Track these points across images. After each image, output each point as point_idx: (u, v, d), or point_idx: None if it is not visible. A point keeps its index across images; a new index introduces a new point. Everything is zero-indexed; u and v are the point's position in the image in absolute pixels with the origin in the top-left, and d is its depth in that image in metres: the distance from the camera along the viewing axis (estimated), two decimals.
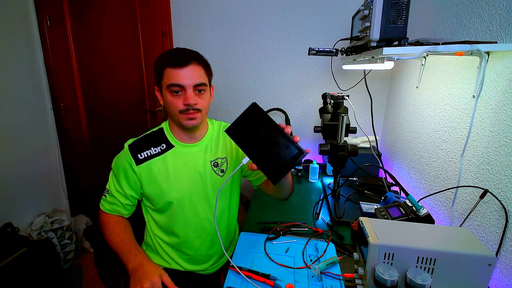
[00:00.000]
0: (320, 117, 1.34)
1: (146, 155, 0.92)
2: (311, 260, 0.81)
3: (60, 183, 2.13)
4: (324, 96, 1.40)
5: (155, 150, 0.93)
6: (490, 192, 0.75)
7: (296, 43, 1.65)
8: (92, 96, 1.99)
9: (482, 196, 0.77)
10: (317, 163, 1.49)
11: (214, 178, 0.96)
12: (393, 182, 1.11)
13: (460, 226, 0.85)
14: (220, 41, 1.72)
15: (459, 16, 0.92)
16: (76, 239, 1.93)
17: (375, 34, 0.79)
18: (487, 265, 0.60)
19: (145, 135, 0.96)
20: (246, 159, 0.66)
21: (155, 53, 1.78)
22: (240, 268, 0.77)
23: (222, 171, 0.98)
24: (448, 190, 0.94)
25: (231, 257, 0.83)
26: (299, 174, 1.54)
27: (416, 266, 0.63)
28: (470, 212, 0.81)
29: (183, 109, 0.85)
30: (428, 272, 0.62)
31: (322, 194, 1.29)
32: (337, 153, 1.04)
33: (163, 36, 1.75)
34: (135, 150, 0.92)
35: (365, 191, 1.25)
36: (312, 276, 0.75)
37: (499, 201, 0.71)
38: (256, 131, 0.65)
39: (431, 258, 0.62)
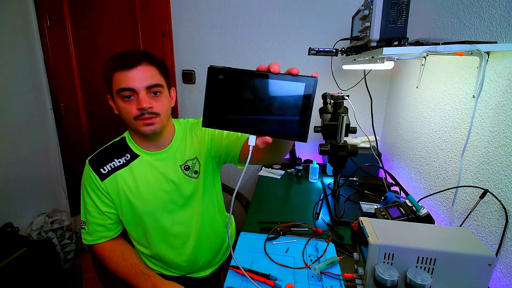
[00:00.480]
0: (320, 117, 1.34)
1: (109, 168, 0.85)
2: (311, 260, 0.81)
3: (60, 183, 2.13)
4: (324, 96, 1.40)
5: (119, 162, 0.86)
6: (490, 192, 0.75)
7: (296, 43, 1.65)
8: (92, 96, 1.99)
9: (482, 196, 0.77)
10: (317, 163, 1.49)
11: (190, 182, 0.90)
12: (393, 182, 1.11)
13: (460, 226, 0.85)
14: (220, 41, 1.73)
15: (459, 16, 0.92)
16: (76, 239, 1.94)
17: (375, 34, 0.79)
18: (487, 265, 0.60)
19: (106, 147, 0.90)
20: (252, 139, 0.49)
21: (155, 53, 1.78)
22: (240, 268, 0.77)
23: (196, 172, 0.91)
24: (448, 190, 0.94)
25: (230, 258, 0.83)
26: (299, 174, 1.54)
27: (416, 266, 0.63)
28: (470, 212, 0.81)
29: (137, 114, 0.76)
30: (428, 272, 0.62)
31: (322, 194, 1.29)
32: (337, 153, 1.04)
33: (163, 36, 1.75)
34: (96, 165, 0.85)
35: (365, 191, 1.25)
36: (312, 276, 0.75)
37: (499, 201, 0.71)
38: (238, 98, 0.47)
39: (431, 258, 0.62)
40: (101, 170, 0.85)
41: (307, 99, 0.45)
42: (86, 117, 2.04)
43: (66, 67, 1.94)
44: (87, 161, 0.87)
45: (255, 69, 0.47)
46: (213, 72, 0.47)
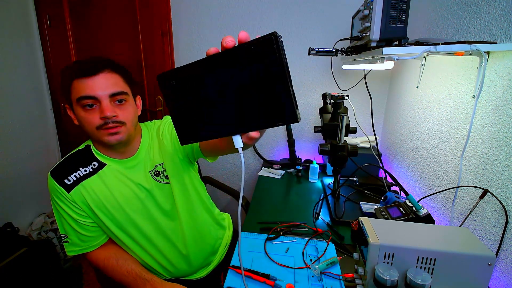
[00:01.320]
0: (320, 117, 1.34)
1: (74, 178, 0.79)
2: (311, 260, 0.81)
3: None
4: (324, 96, 1.40)
5: (85, 170, 0.80)
6: (490, 192, 0.75)
7: (296, 43, 1.65)
8: None
9: (482, 196, 0.77)
10: (317, 163, 1.49)
11: (163, 187, 0.85)
12: (393, 182, 1.11)
13: (460, 226, 0.85)
14: (220, 41, 1.72)
15: (459, 16, 0.92)
16: None
17: (375, 34, 0.79)
18: (487, 265, 0.60)
19: (68, 156, 0.84)
20: (237, 141, 0.41)
21: (155, 53, 1.78)
22: (240, 268, 0.77)
23: (167, 177, 0.86)
24: (448, 190, 0.94)
25: (231, 258, 0.83)
26: (299, 174, 1.54)
27: (416, 266, 0.63)
28: (470, 212, 0.81)
29: (100, 124, 0.72)
30: (428, 272, 0.62)
31: (322, 194, 1.29)
32: (337, 153, 1.04)
33: (163, 36, 1.75)
34: (60, 176, 0.79)
35: (365, 191, 1.25)
36: (312, 276, 0.75)
37: (499, 201, 0.71)
38: (201, 99, 0.39)
39: (431, 258, 0.62)
40: (65, 181, 0.79)
41: (276, 65, 0.34)
42: None
43: None
44: (48, 173, 0.81)
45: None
46: (163, 80, 0.40)
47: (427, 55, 0.82)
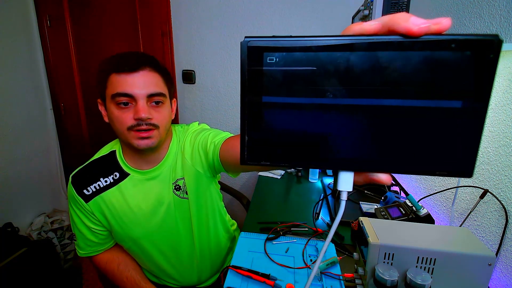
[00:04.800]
0: None
1: (94, 189, 0.76)
2: (311, 260, 0.81)
3: (60, 183, 2.13)
4: None
5: (106, 181, 0.77)
6: (490, 192, 0.75)
7: None
8: (92, 96, 1.99)
9: (482, 196, 0.77)
10: None
11: (181, 203, 0.80)
12: (393, 182, 1.11)
13: (460, 226, 0.85)
14: (220, 41, 1.72)
15: (459, 16, 0.92)
16: None
17: None
18: (487, 265, 0.60)
19: (92, 162, 0.80)
20: (347, 181, 0.28)
21: (155, 53, 1.78)
22: (240, 268, 0.77)
23: (187, 192, 0.80)
24: (448, 190, 0.94)
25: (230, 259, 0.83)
26: (299, 174, 1.54)
27: (416, 266, 0.63)
28: (470, 212, 0.81)
29: (132, 124, 0.67)
30: (428, 272, 0.62)
31: (322, 194, 1.29)
32: None
33: (163, 36, 1.75)
34: (80, 185, 0.76)
35: (365, 191, 1.25)
36: None
37: (499, 201, 0.71)
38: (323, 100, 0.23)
39: (431, 258, 0.62)
40: (85, 191, 0.76)
41: (484, 89, 0.22)
42: (86, 117, 2.04)
43: (66, 67, 1.94)
44: (70, 177, 0.79)
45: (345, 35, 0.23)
46: (257, 51, 0.24)
47: None
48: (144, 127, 0.67)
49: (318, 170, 1.47)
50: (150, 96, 0.68)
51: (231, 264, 0.79)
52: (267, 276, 0.73)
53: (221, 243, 0.98)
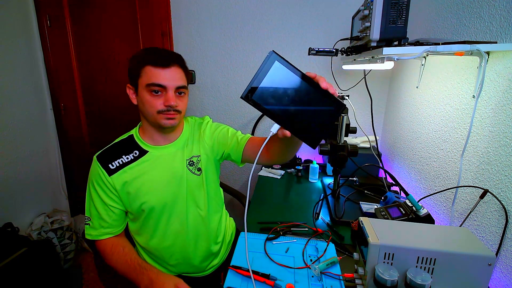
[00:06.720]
0: None
1: (118, 164, 0.88)
2: (311, 260, 0.81)
3: (60, 183, 2.13)
4: None
5: (127, 158, 0.90)
6: (490, 192, 0.75)
7: (296, 43, 1.65)
8: (92, 96, 1.99)
9: (482, 196, 0.77)
10: (317, 163, 1.49)
11: (193, 178, 0.94)
12: (393, 182, 1.11)
13: (460, 226, 0.85)
14: (220, 41, 1.72)
15: (459, 16, 0.92)
16: (76, 239, 1.93)
17: (375, 34, 0.79)
18: (487, 265, 0.60)
19: (113, 144, 0.93)
20: (276, 127, 0.54)
21: None
22: (240, 268, 0.77)
23: (199, 169, 0.95)
24: (448, 190, 0.94)
25: (230, 257, 0.83)
26: (299, 174, 1.54)
27: (416, 266, 0.63)
28: (470, 212, 0.81)
29: (162, 109, 0.83)
30: (428, 272, 0.62)
31: (322, 194, 1.29)
32: (337, 153, 1.04)
33: (163, 36, 1.75)
34: (105, 161, 0.88)
35: (365, 191, 1.25)
36: (312, 276, 0.75)
37: (499, 201, 0.71)
38: (281, 88, 0.52)
39: (431, 258, 0.62)
40: (110, 165, 0.88)
41: (332, 117, 0.53)
42: (86, 117, 2.04)
43: (66, 67, 1.94)
44: (94, 157, 0.90)
45: (304, 72, 0.52)
46: (273, 57, 0.51)
47: (427, 55, 0.82)
48: (171, 112, 0.84)
49: (318, 170, 1.47)
50: (177, 88, 0.84)
51: (231, 264, 0.79)
52: (267, 276, 0.73)
53: (219, 228, 1.04)
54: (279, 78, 0.52)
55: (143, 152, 0.91)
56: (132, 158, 0.90)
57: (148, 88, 0.81)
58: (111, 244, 0.90)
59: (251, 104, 0.53)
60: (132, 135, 0.94)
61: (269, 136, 0.56)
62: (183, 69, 0.87)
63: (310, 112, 0.53)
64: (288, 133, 0.53)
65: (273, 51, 0.51)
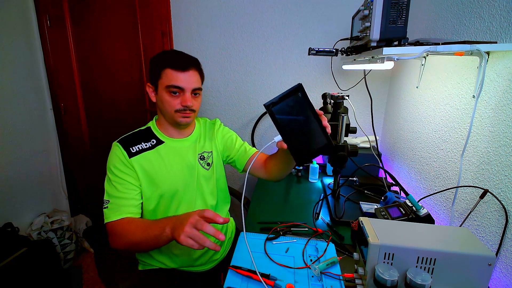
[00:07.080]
0: None
1: (137, 149, 0.95)
2: (311, 260, 0.81)
3: (60, 183, 2.13)
4: (324, 96, 1.40)
5: (146, 145, 0.97)
6: (490, 192, 0.75)
7: (296, 43, 1.65)
8: (92, 96, 1.99)
9: (482, 196, 0.77)
10: (317, 163, 1.49)
11: (200, 171, 1.02)
12: (393, 182, 1.11)
13: (460, 226, 0.85)
14: (220, 41, 1.72)
15: (459, 16, 0.92)
16: (76, 239, 1.93)
17: (375, 34, 0.79)
18: (487, 265, 0.60)
19: (133, 133, 1.00)
20: (278, 137, 0.66)
21: (155, 53, 1.77)
22: (240, 268, 0.77)
23: (208, 164, 1.05)
24: (448, 190, 0.94)
25: (231, 256, 0.83)
26: (299, 174, 1.54)
27: (416, 266, 0.63)
28: (470, 212, 0.81)
29: (179, 109, 0.91)
30: (428, 272, 0.62)
31: (322, 194, 1.29)
32: (337, 153, 1.04)
33: (163, 36, 1.75)
34: (126, 145, 0.94)
35: (365, 191, 1.25)
36: (312, 276, 0.75)
37: (499, 201, 0.71)
38: (295, 113, 0.65)
39: (431, 258, 0.62)
40: (130, 149, 0.94)
41: (321, 150, 0.66)
42: (86, 117, 2.04)
43: (66, 67, 1.94)
44: (114, 143, 0.95)
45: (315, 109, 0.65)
46: (300, 88, 0.64)
47: (427, 55, 0.82)
48: (188, 111, 0.93)
49: (318, 170, 1.47)
50: (194, 90, 0.93)
51: (231, 264, 0.79)
52: (267, 276, 0.73)
53: (224, 216, 1.09)
54: (296, 103, 0.64)
55: (159, 142, 0.99)
56: (150, 146, 0.97)
57: (168, 89, 0.90)
58: (123, 223, 0.87)
59: (269, 112, 0.63)
60: (150, 127, 1.02)
61: (270, 142, 0.68)
62: (199, 72, 0.96)
63: (307, 137, 0.66)
64: (285, 145, 0.65)
65: (300, 84, 0.63)
